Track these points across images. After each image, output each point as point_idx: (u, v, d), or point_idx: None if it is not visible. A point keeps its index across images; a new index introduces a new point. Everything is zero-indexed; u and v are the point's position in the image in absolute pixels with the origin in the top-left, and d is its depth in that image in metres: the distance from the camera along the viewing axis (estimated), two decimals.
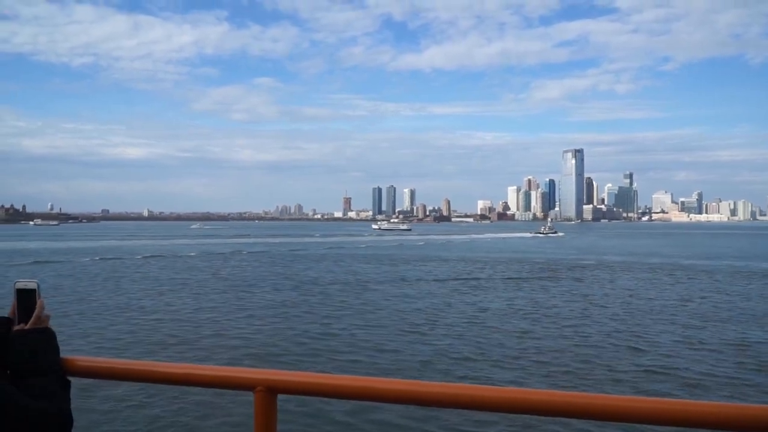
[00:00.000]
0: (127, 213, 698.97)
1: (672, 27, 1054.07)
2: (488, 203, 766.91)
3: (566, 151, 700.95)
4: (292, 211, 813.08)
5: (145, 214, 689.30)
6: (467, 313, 30.82)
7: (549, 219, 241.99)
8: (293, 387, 1.86)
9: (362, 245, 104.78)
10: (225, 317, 28.98)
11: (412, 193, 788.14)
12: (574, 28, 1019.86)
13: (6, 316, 1.95)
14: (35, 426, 1.64)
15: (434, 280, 46.54)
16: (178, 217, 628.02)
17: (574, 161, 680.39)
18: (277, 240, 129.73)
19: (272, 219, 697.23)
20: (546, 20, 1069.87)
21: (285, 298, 35.99)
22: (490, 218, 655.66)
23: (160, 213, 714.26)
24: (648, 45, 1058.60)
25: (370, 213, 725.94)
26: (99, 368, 2.05)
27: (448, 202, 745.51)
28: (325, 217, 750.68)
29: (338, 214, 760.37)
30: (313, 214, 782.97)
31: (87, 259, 67.00)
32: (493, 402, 1.73)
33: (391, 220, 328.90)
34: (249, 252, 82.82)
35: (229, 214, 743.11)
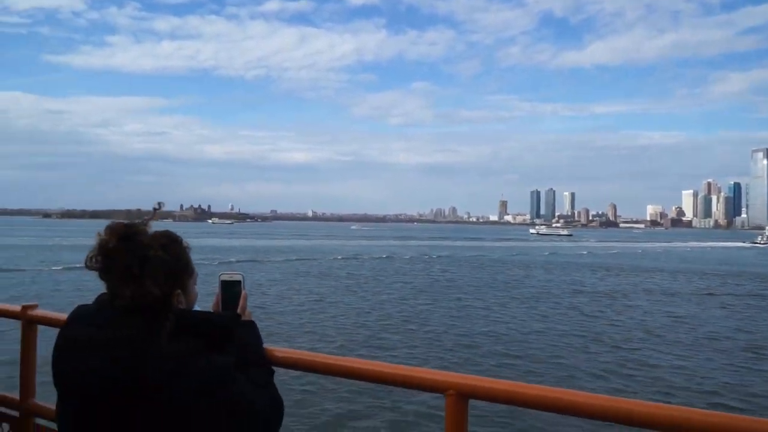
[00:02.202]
0: (293, 213, 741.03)
1: None
2: (659, 208, 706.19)
3: (756, 151, 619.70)
4: (447, 213, 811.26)
5: (310, 214, 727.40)
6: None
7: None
8: (486, 393, 1.80)
9: (545, 252, 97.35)
10: (443, 321, 27.47)
11: (573, 197, 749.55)
12: (763, 12, 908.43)
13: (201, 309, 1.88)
14: (260, 416, 1.67)
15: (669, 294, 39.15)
16: (340, 218, 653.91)
17: (766, 161, 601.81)
18: (455, 243, 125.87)
19: (428, 221, 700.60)
20: (729, 5, 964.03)
21: (495, 303, 33.20)
22: (662, 224, 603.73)
23: (323, 213, 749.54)
24: None
25: (528, 217, 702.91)
26: (294, 359, 2.06)
27: (614, 207, 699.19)
28: (481, 220, 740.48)
29: (493, 218, 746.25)
30: (468, 217, 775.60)
31: (280, 259, 67.35)
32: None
33: (554, 225, 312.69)
34: (438, 255, 79.69)
35: (385, 216, 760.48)
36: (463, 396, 1.80)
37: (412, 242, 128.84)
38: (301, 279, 45.34)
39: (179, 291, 1.71)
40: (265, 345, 1.98)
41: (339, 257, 71.51)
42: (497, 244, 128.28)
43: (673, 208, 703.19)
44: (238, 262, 61.79)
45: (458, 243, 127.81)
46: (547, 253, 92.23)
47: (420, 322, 27.05)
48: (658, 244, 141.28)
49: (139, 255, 1.61)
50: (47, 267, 48.92)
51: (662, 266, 67.53)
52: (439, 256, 78.16)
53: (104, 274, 1.64)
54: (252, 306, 2.03)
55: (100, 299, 1.68)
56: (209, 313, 1.82)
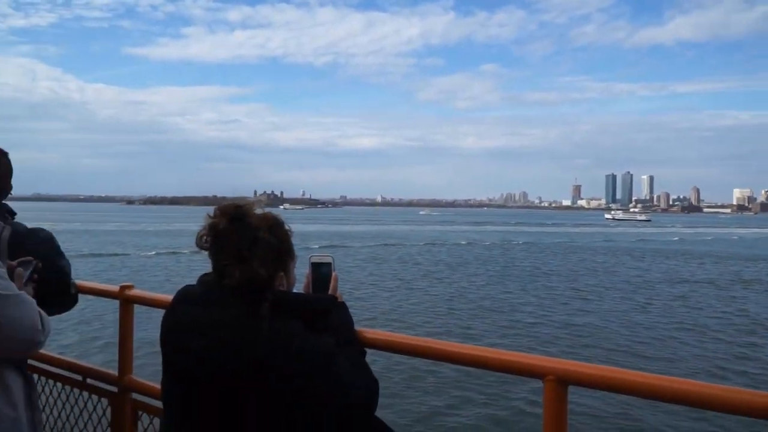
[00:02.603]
0: (362, 199, 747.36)
1: None
2: (747, 192, 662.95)
3: None
4: (517, 198, 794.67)
5: (379, 199, 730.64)
6: None
7: None
8: (586, 379, 1.73)
9: (632, 238, 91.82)
10: (543, 309, 26.30)
11: (651, 181, 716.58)
12: None
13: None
14: (359, 397, 1.67)
15: None
16: (409, 203, 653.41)
17: None
18: (533, 229, 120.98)
19: (498, 206, 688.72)
20: None
21: (588, 291, 31.54)
22: (750, 209, 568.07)
23: (391, 199, 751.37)
24: None
25: (603, 201, 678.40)
26: (385, 341, 2.02)
27: (697, 191, 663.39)
28: (553, 205, 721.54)
29: (566, 202, 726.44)
30: (539, 202, 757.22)
31: (358, 244, 65.92)
32: None
33: (631, 210, 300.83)
34: (524, 242, 76.00)
35: (454, 201, 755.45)
36: (562, 382, 1.73)
37: (489, 227, 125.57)
38: (384, 265, 44.35)
39: (282, 273, 1.71)
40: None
41: (420, 243, 69.64)
42: (577, 229, 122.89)
43: (763, 191, 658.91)
44: (319, 247, 61.12)
45: (535, 229, 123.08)
46: (634, 239, 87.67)
47: (510, 310, 26.09)
48: (753, 230, 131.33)
49: (249, 236, 1.62)
50: (143, 252, 50.34)
51: (764, 254, 61.76)
52: (523, 243, 74.73)
53: (214, 255, 1.64)
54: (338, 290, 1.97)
55: (204, 280, 1.69)
56: (308, 295, 1.81)
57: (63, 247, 2.46)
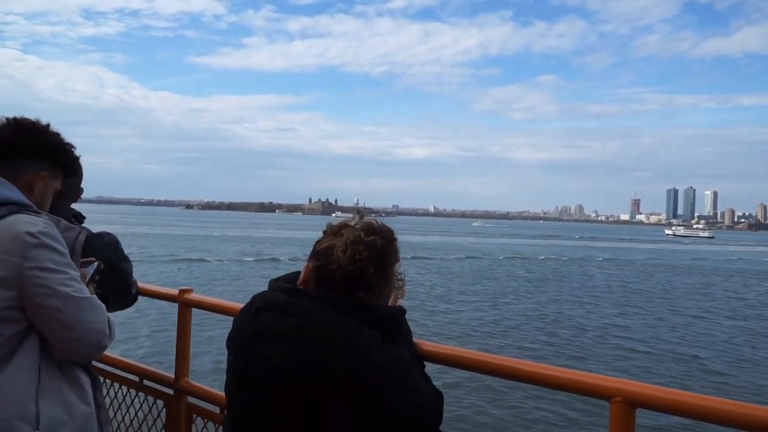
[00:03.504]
0: (414, 209, 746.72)
1: None
2: None
3: None
4: (572, 211, 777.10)
5: (431, 210, 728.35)
6: None
7: None
8: (658, 403, 1.64)
9: (732, 257, 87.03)
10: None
11: (715, 196, 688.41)
12: None
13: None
14: (431, 409, 1.67)
15: None
16: (462, 214, 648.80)
17: None
18: (600, 244, 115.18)
19: (553, 219, 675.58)
20: None
21: (692, 314, 29.49)
22: None
23: (444, 209, 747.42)
24: None
25: (663, 217, 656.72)
26: (444, 355, 1.96)
27: (764, 207, 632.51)
28: (610, 219, 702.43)
29: (624, 217, 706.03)
30: (596, 216, 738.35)
31: (426, 254, 64.17)
32: None
33: (694, 226, 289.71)
34: (604, 259, 71.35)
35: (508, 213, 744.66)
36: (631, 404, 1.65)
37: (558, 242, 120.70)
38: (458, 279, 42.45)
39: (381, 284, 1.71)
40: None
41: (500, 257, 66.57)
42: (654, 246, 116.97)
43: None
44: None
45: (603, 244, 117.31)
46: (733, 258, 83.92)
47: (592, 330, 24.66)
48: None
49: (348, 248, 1.64)
50: (211, 256, 50.71)
51: None
52: (604, 259, 70.40)
53: (361, 269, 1.63)
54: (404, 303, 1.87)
55: (285, 287, 1.70)
56: (385, 306, 1.75)
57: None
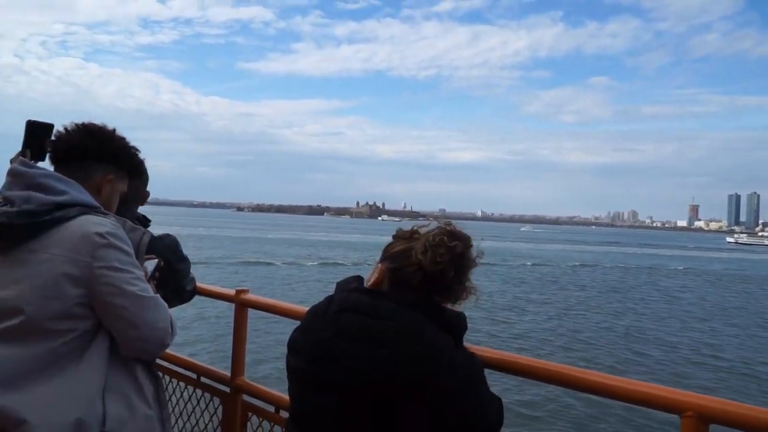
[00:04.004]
0: (462, 213, 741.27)
1: None
2: None
3: None
4: (626, 217, 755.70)
5: (479, 214, 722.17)
6: None
7: None
8: (732, 418, 1.54)
9: None
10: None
11: None
12: None
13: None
14: (495, 413, 1.69)
15: None
16: (510, 219, 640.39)
17: None
18: (663, 252, 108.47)
19: (605, 225, 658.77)
20: None
21: None
22: None
23: (491, 214, 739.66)
24: None
25: (724, 223, 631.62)
26: (497, 360, 1.91)
27: None
28: (666, 225, 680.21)
29: (681, 223, 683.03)
30: (651, 222, 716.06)
31: (517, 263, 61.19)
32: None
33: (759, 234, 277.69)
34: (677, 268, 66.68)
35: (558, 218, 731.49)
36: (704, 419, 1.57)
37: (619, 249, 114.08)
38: (526, 287, 40.76)
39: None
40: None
41: (566, 265, 63.33)
42: (722, 255, 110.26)
43: None
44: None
45: (667, 252, 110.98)
46: None
47: (671, 345, 23.14)
48: None
49: (428, 251, 1.67)
50: (269, 259, 51.06)
51: None
52: (679, 269, 65.72)
53: (442, 273, 1.67)
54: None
55: (364, 290, 1.72)
56: (453, 310, 1.77)
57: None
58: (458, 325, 1.69)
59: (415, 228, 1.78)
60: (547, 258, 73.22)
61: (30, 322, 1.72)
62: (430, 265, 1.64)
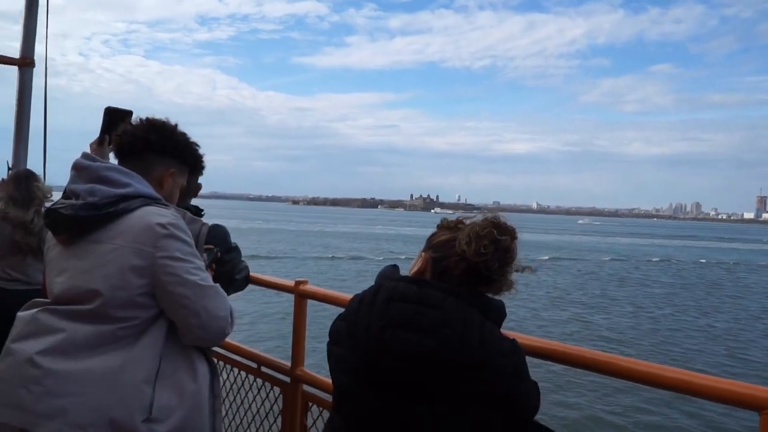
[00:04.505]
0: (516, 205, 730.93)
1: None
2: None
3: None
4: (689, 209, 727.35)
5: (534, 206, 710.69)
6: None
7: None
8: None
9: None
10: None
11: None
12: None
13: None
14: (536, 400, 1.72)
15: None
16: (567, 212, 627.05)
17: None
18: (741, 246, 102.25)
19: (666, 217, 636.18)
20: None
21: None
22: None
23: (547, 206, 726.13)
24: None
25: None
26: (542, 349, 1.90)
27: None
28: (732, 218, 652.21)
29: (748, 215, 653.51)
30: (716, 214, 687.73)
31: (592, 258, 58.25)
32: None
33: None
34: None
35: (617, 210, 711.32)
36: None
37: (695, 243, 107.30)
38: (593, 282, 38.27)
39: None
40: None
41: (644, 259, 59.63)
42: None
43: None
44: (549, 258, 53.04)
45: (745, 246, 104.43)
46: None
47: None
48: None
49: (473, 242, 1.68)
50: (324, 253, 49.47)
51: None
52: None
53: (486, 264, 1.67)
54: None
55: (410, 279, 1.73)
56: (494, 298, 1.77)
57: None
58: (499, 313, 1.71)
59: (461, 218, 1.79)
60: (620, 252, 68.83)
61: (101, 308, 1.79)
62: (474, 255, 1.65)
